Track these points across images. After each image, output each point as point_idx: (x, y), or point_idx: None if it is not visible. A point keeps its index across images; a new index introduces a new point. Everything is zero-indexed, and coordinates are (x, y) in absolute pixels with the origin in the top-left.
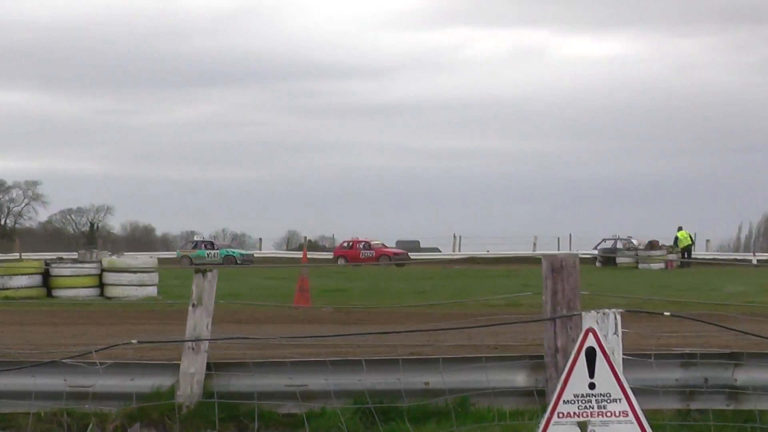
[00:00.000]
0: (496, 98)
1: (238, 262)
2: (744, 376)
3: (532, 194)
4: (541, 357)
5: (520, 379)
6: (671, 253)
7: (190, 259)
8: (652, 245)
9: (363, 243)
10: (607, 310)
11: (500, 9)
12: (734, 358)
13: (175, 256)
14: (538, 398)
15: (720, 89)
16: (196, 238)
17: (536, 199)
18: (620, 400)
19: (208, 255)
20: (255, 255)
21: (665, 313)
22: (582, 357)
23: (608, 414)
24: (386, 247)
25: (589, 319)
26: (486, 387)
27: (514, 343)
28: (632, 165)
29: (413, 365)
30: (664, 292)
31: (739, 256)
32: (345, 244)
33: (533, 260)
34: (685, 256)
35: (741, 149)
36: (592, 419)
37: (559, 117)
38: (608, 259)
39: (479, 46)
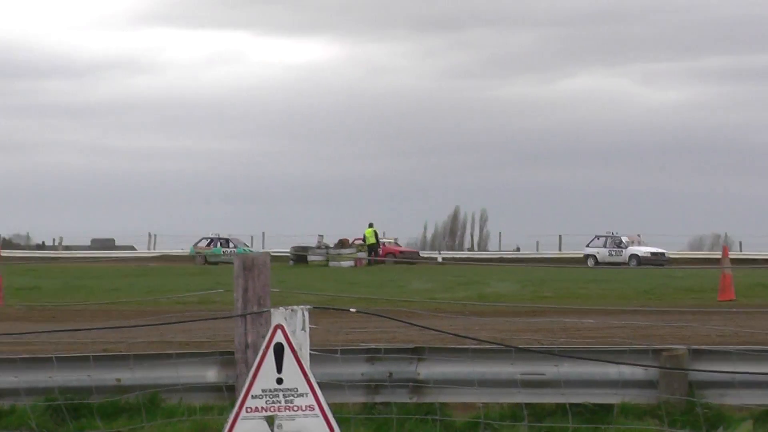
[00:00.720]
0: (195, 99)
1: None
2: (426, 370)
3: (228, 193)
4: (232, 353)
5: (210, 374)
6: (361, 251)
7: (205, 258)
8: (342, 243)
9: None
10: (295, 307)
11: (200, 12)
12: (417, 353)
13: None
14: (228, 394)
15: (410, 93)
16: (211, 235)
17: (232, 198)
18: (307, 394)
19: (224, 252)
20: None
21: (351, 310)
22: (270, 353)
23: (295, 408)
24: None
25: (278, 316)
26: (176, 383)
27: (206, 340)
28: (326, 165)
29: (104, 362)
30: (353, 289)
31: (425, 254)
32: None
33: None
34: (372, 253)
35: (428, 151)
36: (279, 414)
37: (256, 119)
38: (300, 257)
39: (179, 48)
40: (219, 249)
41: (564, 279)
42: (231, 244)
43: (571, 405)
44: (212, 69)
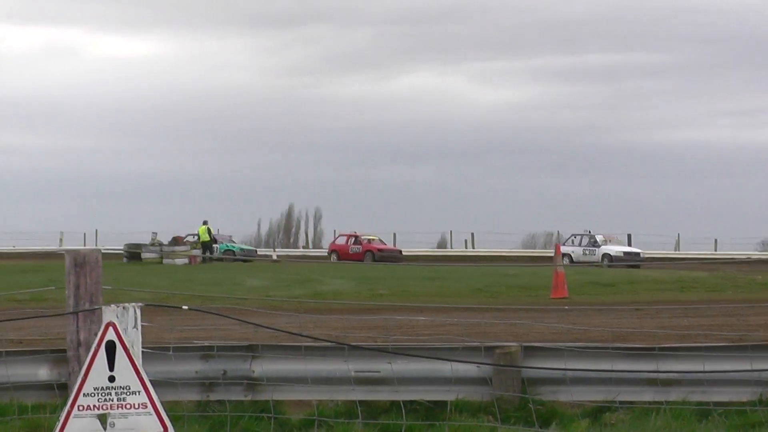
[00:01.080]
0: (27, 95)
1: (237, 256)
2: (261, 367)
3: (61, 190)
4: (64, 351)
5: (42, 373)
6: (195, 248)
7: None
8: (177, 241)
9: (353, 237)
10: (127, 304)
11: (34, 6)
12: (252, 351)
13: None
14: (60, 392)
15: (247, 90)
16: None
17: (66, 195)
18: (139, 392)
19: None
20: None
21: (183, 307)
22: (102, 350)
23: (128, 406)
24: (382, 242)
25: (110, 313)
26: (7, 381)
27: (39, 338)
28: (160, 162)
29: None
30: (189, 286)
31: (260, 251)
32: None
33: (60, 256)
34: (206, 251)
35: (264, 148)
36: (112, 412)
37: (90, 116)
38: (134, 254)
39: (12, 43)
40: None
41: (400, 277)
42: (216, 242)
43: (406, 402)
44: (45, 65)
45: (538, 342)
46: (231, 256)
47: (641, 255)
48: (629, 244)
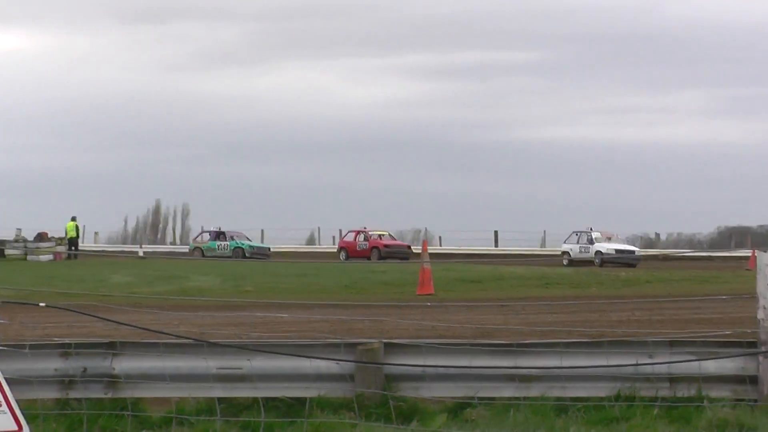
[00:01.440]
0: None
1: (246, 255)
2: (121, 365)
3: None
4: None
5: None
6: (60, 244)
7: (202, 251)
8: (42, 237)
9: (361, 234)
10: None
11: None
12: (111, 348)
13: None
14: None
15: (114, 85)
16: (212, 229)
17: None
18: None
19: (218, 247)
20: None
21: (41, 304)
22: None
23: None
24: (392, 238)
25: None
26: None
27: None
28: (25, 157)
29: None
30: (52, 283)
31: (127, 247)
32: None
33: None
34: (72, 247)
35: (130, 144)
36: None
37: None
38: None
39: None
40: (214, 243)
41: (268, 273)
42: (228, 238)
43: (268, 399)
44: None
45: (402, 339)
46: (240, 253)
47: (636, 253)
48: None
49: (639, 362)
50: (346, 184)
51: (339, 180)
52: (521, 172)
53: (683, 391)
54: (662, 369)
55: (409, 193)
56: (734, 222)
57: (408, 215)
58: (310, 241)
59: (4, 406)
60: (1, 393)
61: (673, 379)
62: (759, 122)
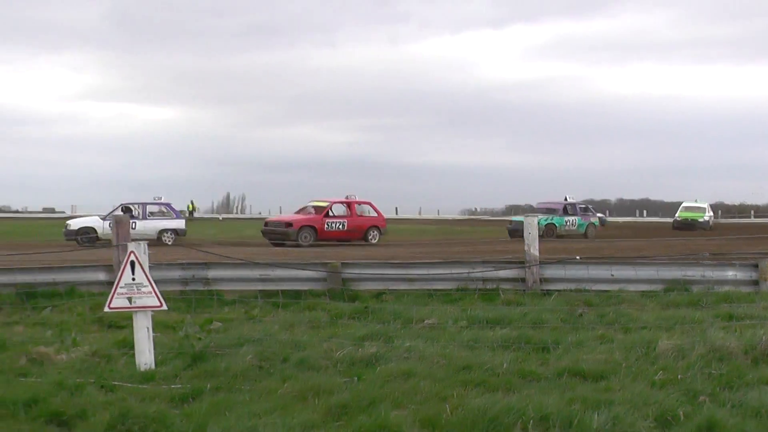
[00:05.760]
0: None
1: None
2: (211, 273)
3: None
4: (111, 265)
5: (101, 276)
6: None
7: None
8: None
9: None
10: (140, 242)
11: None
12: (207, 265)
13: None
14: (109, 286)
15: None
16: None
17: None
18: (147, 286)
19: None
20: None
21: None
22: (128, 265)
23: (141, 293)
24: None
25: (132, 246)
26: (84, 280)
27: (96, 258)
28: None
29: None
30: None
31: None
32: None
33: None
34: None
35: None
36: (133, 296)
37: None
38: None
39: None
40: None
41: None
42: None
43: (283, 291)
44: None
45: (349, 260)
46: None
47: None
48: None
49: (469, 271)
50: None
51: None
52: None
53: (489, 285)
54: (479, 275)
55: None
56: None
57: None
58: None
59: (153, 294)
60: (151, 287)
61: (485, 280)
62: None
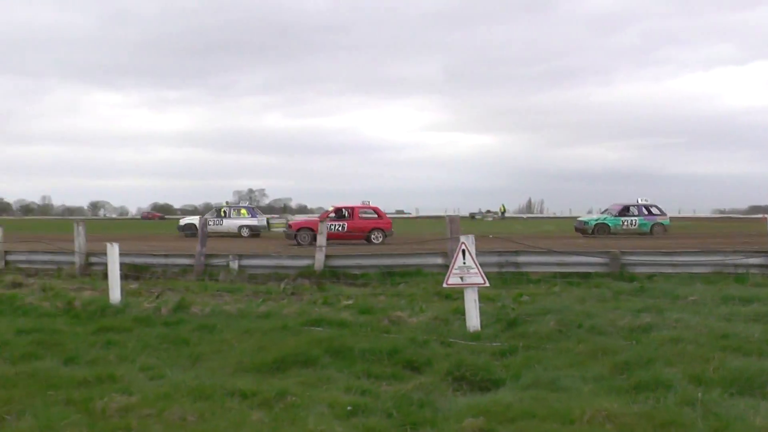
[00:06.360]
0: None
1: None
2: (521, 258)
3: None
4: (446, 253)
5: (439, 261)
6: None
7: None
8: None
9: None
10: (470, 235)
11: None
12: (518, 252)
13: None
14: (445, 269)
15: None
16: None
17: None
18: (474, 268)
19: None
20: None
21: (490, 236)
22: (460, 253)
23: (470, 274)
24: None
25: (463, 238)
26: (427, 263)
27: (434, 246)
28: None
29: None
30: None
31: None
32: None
33: None
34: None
35: None
36: (464, 276)
37: None
38: None
39: None
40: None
41: None
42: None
43: (567, 273)
44: None
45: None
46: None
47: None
48: None
49: (723, 258)
50: None
51: None
52: None
53: (740, 270)
54: (731, 261)
55: None
56: None
57: None
58: None
59: (479, 274)
60: (477, 269)
61: (737, 265)
62: None
